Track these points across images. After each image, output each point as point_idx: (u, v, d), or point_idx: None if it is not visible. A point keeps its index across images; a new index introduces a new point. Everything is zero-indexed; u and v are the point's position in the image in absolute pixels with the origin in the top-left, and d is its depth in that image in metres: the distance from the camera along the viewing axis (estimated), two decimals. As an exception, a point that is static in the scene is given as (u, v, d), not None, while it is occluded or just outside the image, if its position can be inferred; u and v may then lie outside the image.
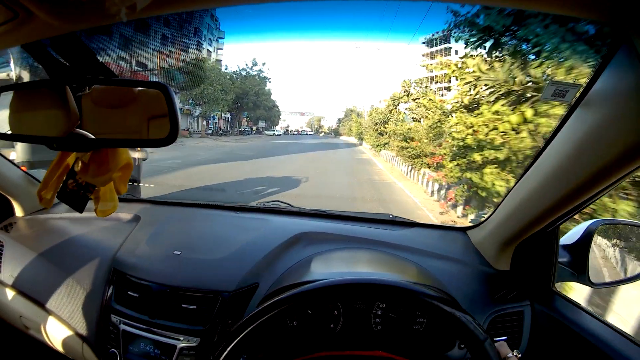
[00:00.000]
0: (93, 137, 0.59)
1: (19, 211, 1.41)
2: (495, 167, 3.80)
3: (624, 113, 0.56)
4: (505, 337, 0.93)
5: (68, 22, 0.48)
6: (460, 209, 5.46)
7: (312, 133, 30.94)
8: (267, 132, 27.34)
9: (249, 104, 23.67)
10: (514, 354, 0.64)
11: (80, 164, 0.66)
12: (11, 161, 1.37)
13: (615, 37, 0.54)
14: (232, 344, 0.65)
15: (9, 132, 0.65)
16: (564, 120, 0.68)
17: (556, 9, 0.45)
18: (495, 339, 0.81)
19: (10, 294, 1.21)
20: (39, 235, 1.32)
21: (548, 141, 0.73)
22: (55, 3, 0.44)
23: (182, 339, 0.94)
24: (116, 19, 0.39)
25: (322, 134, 30.70)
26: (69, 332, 1.10)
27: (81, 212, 0.68)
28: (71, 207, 0.68)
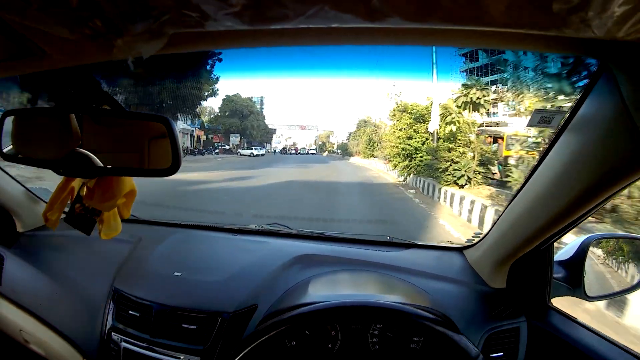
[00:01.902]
0: (99, 163, 0.61)
1: (19, 227, 1.42)
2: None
3: (607, 136, 0.58)
4: (502, 354, 0.94)
5: (77, 59, 0.51)
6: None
7: (314, 152, 25.20)
8: (242, 152, 20.00)
9: (161, 94, 12.21)
10: None
11: (85, 190, 0.68)
12: (12, 177, 1.38)
13: (596, 66, 0.57)
14: None
15: (15, 154, 0.67)
16: (551, 144, 0.70)
17: (539, 47, 0.47)
18: (491, 355, 0.82)
19: (10, 307, 1.21)
20: (40, 251, 1.33)
21: (538, 164, 0.76)
22: (66, 44, 0.46)
23: (182, 357, 0.95)
24: (124, 59, 0.41)
25: (326, 152, 24.65)
26: (70, 349, 1.10)
27: (89, 234, 0.70)
28: (79, 230, 0.70)
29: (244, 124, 19.82)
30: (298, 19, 0.33)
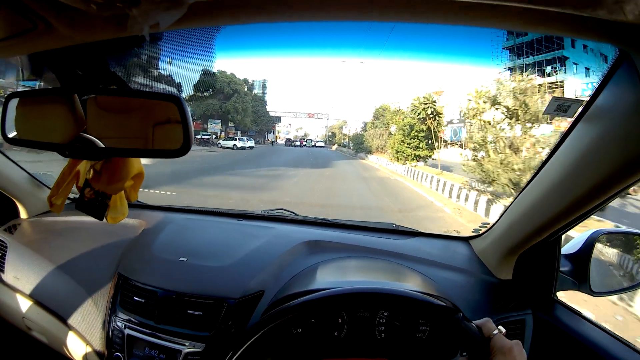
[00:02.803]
0: (104, 145, 0.59)
1: (23, 213, 1.42)
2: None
3: (624, 128, 0.57)
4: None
5: (86, 34, 0.49)
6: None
7: (322, 144, 22.50)
8: (222, 143, 16.02)
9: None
10: (499, 328, 0.64)
11: (92, 172, 0.67)
12: (16, 163, 1.37)
13: (617, 55, 0.56)
14: (240, 352, 0.66)
15: (19, 137, 0.66)
16: (566, 133, 0.69)
17: (561, 31, 0.46)
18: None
19: (13, 295, 1.21)
20: (43, 238, 1.33)
21: (551, 153, 0.75)
22: (74, 16, 0.45)
23: (187, 344, 0.95)
24: (139, 33, 0.40)
25: (335, 146, 21.29)
26: (73, 335, 1.10)
27: (101, 219, 0.68)
28: (90, 215, 0.68)
29: (226, 106, 14.46)
30: None
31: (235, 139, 16.51)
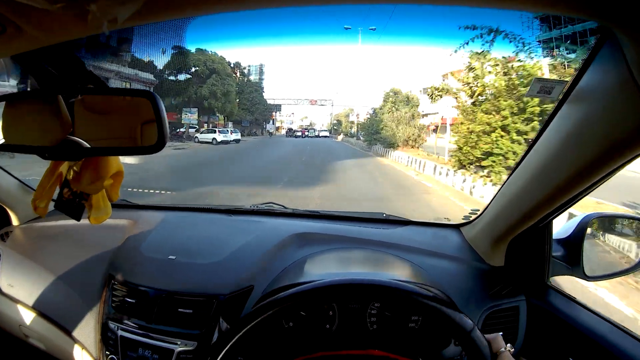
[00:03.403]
0: (84, 145, 0.59)
1: (14, 220, 1.41)
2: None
3: (609, 108, 0.56)
4: (501, 333, 0.94)
5: (54, 34, 0.49)
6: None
7: (326, 134, 21.30)
8: (200, 137, 13.73)
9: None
10: (508, 347, 0.65)
11: (72, 173, 0.66)
12: (5, 170, 1.36)
13: (599, 33, 0.55)
14: (228, 346, 0.66)
15: (1, 141, 0.66)
16: (551, 116, 0.68)
17: (542, 7, 0.45)
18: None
19: (9, 303, 1.21)
20: (35, 244, 1.32)
21: (537, 137, 0.74)
22: (42, 17, 0.44)
23: (179, 343, 0.95)
24: (99, 30, 0.39)
25: (341, 136, 19.84)
26: (68, 340, 1.11)
27: (79, 220, 0.69)
28: (68, 215, 0.69)
29: (201, 90, 11.29)
30: None
31: (214, 132, 13.97)
